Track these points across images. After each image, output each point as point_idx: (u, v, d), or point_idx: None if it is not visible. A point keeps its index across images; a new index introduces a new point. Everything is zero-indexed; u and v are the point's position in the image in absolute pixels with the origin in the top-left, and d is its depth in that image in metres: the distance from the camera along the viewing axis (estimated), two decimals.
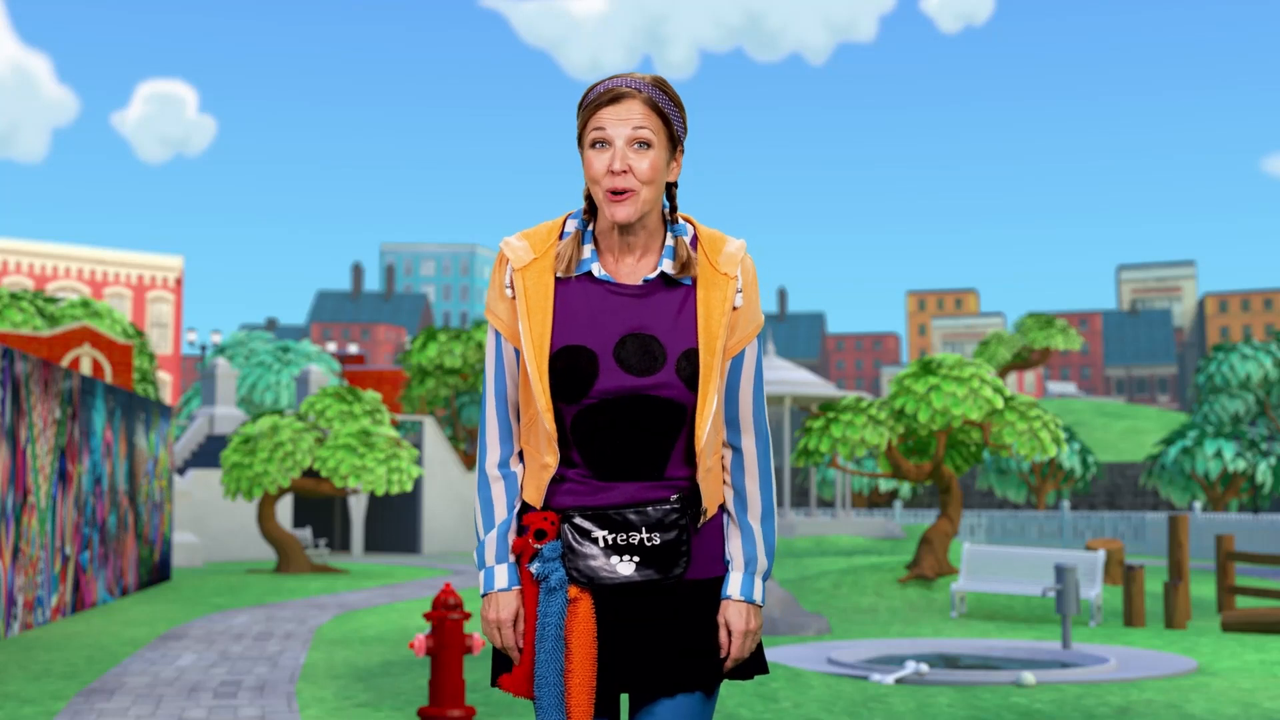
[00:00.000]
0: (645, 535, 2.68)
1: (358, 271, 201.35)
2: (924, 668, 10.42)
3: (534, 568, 2.70)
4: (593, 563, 2.67)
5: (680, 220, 2.80)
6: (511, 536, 2.75)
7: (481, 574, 2.76)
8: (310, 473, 28.13)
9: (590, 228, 2.78)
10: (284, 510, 33.52)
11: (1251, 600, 19.72)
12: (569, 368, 2.68)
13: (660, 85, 2.73)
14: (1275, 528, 32.09)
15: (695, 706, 2.74)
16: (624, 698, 9.47)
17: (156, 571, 21.24)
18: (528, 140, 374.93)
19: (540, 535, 2.71)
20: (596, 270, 2.73)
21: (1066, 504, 40.14)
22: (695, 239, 2.79)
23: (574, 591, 2.69)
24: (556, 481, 2.75)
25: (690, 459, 2.74)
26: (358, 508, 35.42)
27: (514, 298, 2.74)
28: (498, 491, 2.76)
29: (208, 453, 36.44)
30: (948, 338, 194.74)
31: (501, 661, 2.80)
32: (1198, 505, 36.58)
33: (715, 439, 2.75)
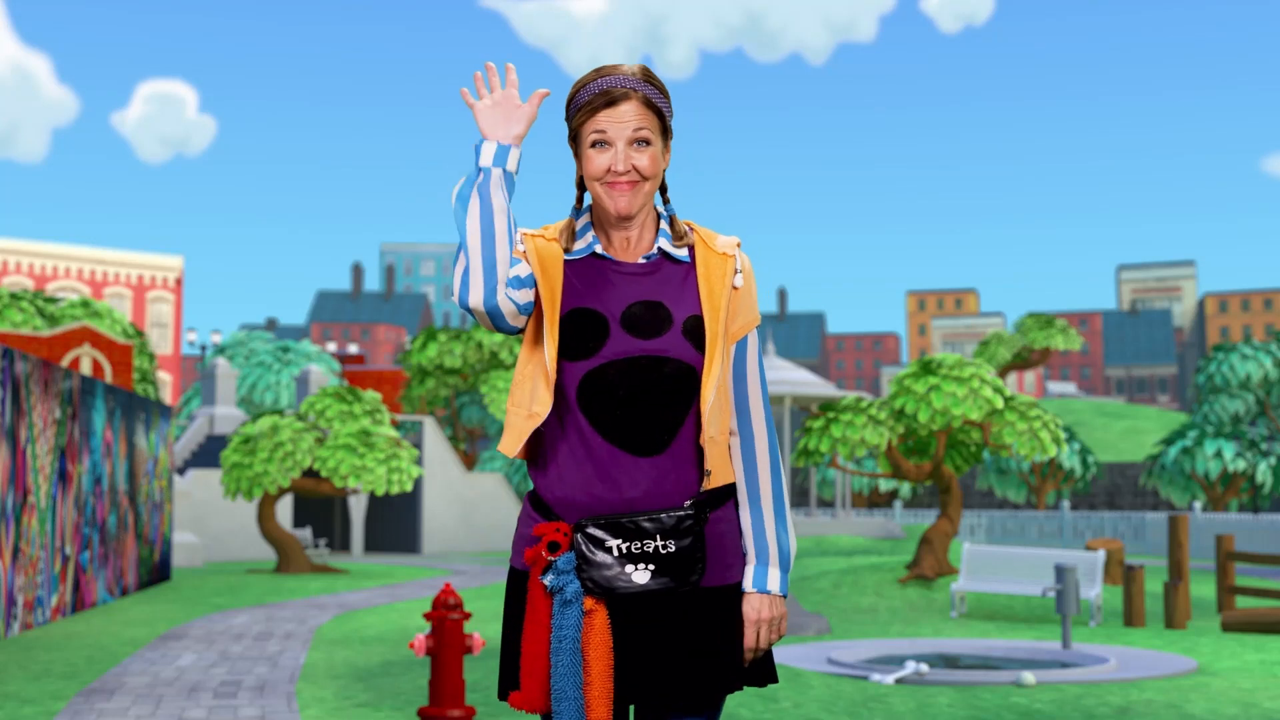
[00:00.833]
0: (660, 543, 2.66)
1: (358, 271, 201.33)
2: (924, 668, 10.42)
3: (548, 580, 2.67)
4: (608, 572, 2.65)
5: (676, 215, 2.85)
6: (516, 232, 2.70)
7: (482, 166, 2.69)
8: (310, 473, 28.13)
9: (587, 220, 2.83)
10: (284, 510, 33.52)
11: (1251, 600, 19.72)
12: (579, 328, 2.70)
13: (649, 79, 2.77)
14: (1275, 528, 32.09)
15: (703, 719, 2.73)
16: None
17: (156, 571, 21.24)
18: (528, 140, 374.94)
19: (553, 547, 2.67)
20: (599, 249, 2.78)
21: (1066, 504, 40.13)
22: (691, 230, 2.85)
23: (589, 603, 2.66)
24: (564, 462, 2.72)
25: (697, 428, 2.74)
26: (358, 508, 35.41)
27: (524, 252, 2.76)
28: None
29: (208, 453, 36.44)
30: (948, 338, 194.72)
31: (509, 677, 2.76)
32: (1198, 505, 36.58)
33: (722, 415, 2.75)
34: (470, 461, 43.38)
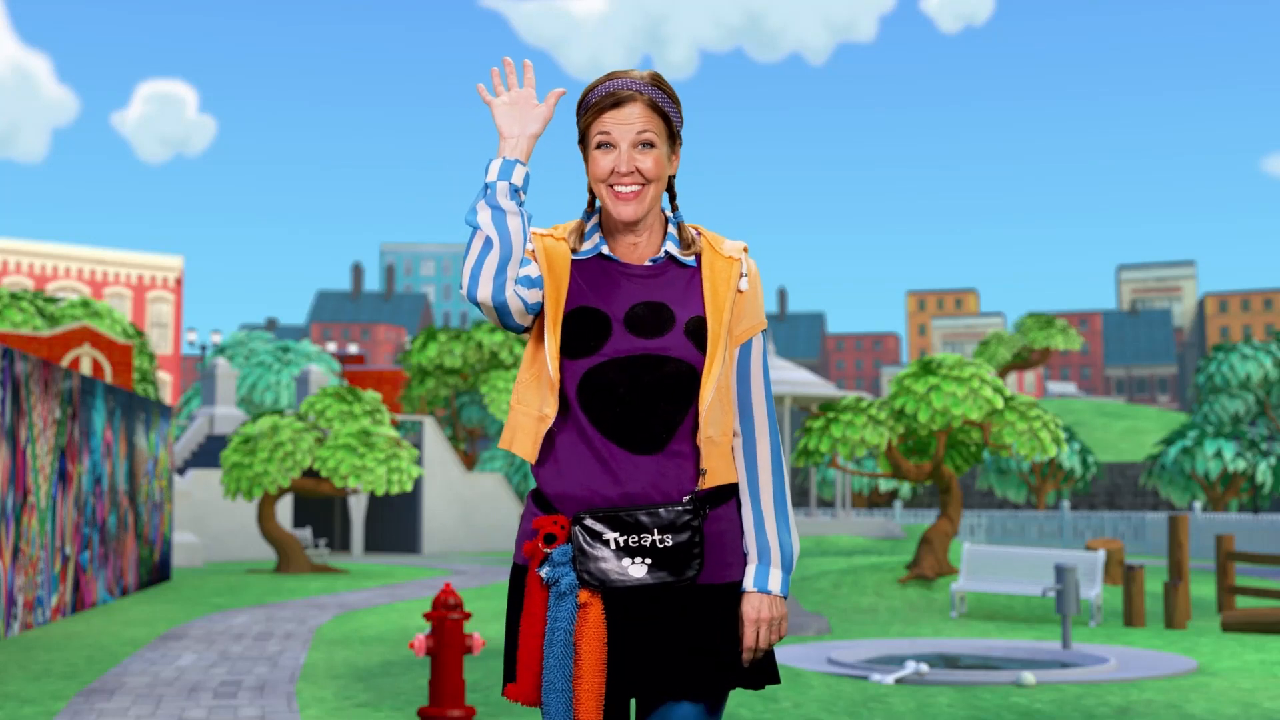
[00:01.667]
0: (657, 537, 2.66)
1: (358, 271, 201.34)
2: (924, 668, 10.42)
3: (544, 572, 2.68)
4: (604, 565, 2.65)
5: (684, 222, 2.87)
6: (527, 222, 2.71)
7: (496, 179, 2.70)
8: (310, 473, 28.13)
9: (595, 222, 2.85)
10: (284, 510, 33.51)
11: (1251, 600, 19.72)
12: (582, 326, 2.72)
13: (658, 83, 2.78)
14: (1275, 528, 32.09)
15: (702, 715, 2.73)
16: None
17: (156, 571, 21.24)
18: (542, 138, 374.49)
19: (550, 539, 2.69)
20: (605, 250, 2.79)
21: (1066, 504, 40.13)
22: (699, 236, 2.87)
23: (584, 596, 2.66)
24: (563, 449, 2.73)
25: (697, 431, 2.75)
26: (358, 508, 35.41)
27: (534, 251, 2.78)
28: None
29: (208, 453, 36.44)
30: (948, 338, 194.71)
31: (510, 671, 2.77)
32: (1198, 505, 36.58)
33: (723, 417, 2.76)
34: (470, 461, 43.38)
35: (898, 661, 11.95)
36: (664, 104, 2.76)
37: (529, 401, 2.75)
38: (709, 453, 2.73)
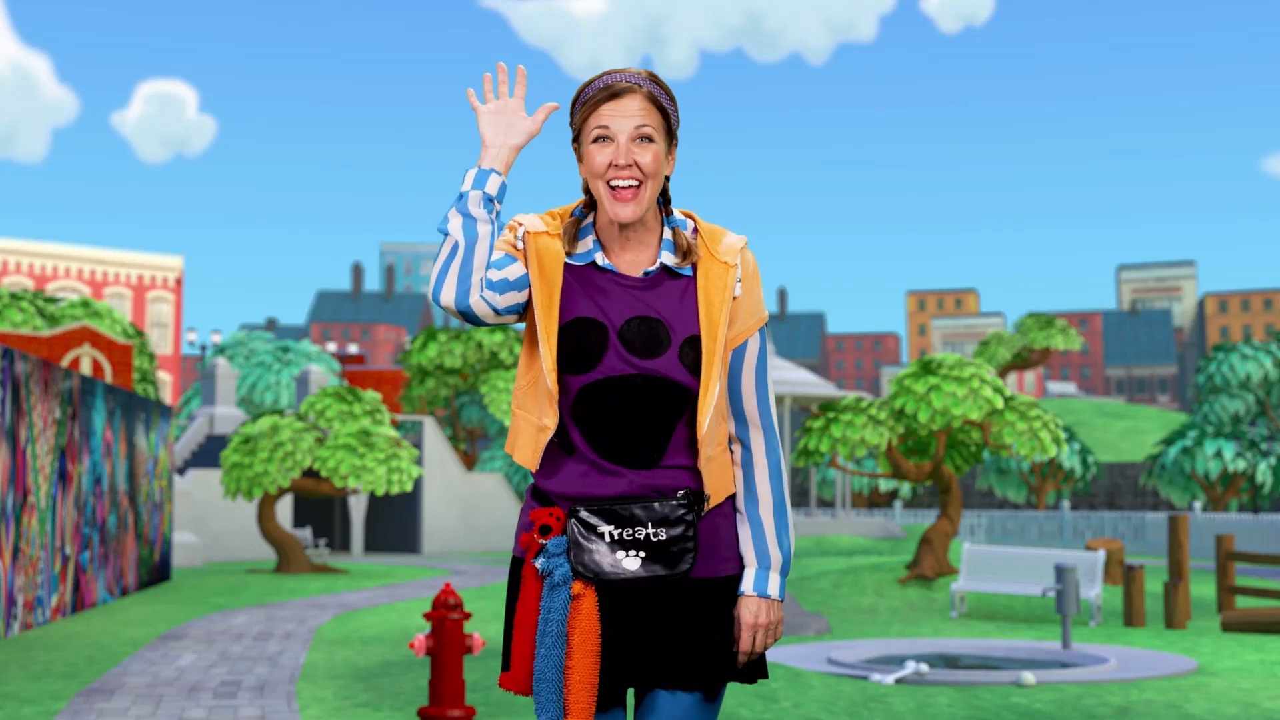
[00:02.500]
0: (651, 530, 2.66)
1: (358, 271, 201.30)
2: (924, 668, 10.42)
3: (538, 563, 2.68)
4: (598, 558, 2.66)
5: (678, 214, 2.82)
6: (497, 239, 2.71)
7: (470, 192, 2.70)
8: (310, 473, 28.13)
9: (590, 221, 2.80)
10: (284, 510, 33.52)
11: (1251, 600, 19.71)
12: (579, 340, 2.68)
13: (655, 80, 2.75)
14: (1275, 528, 32.09)
15: (697, 705, 2.73)
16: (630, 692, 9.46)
17: (156, 571, 21.24)
18: (537, 137, 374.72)
19: (545, 530, 2.69)
20: (600, 260, 2.74)
21: (1066, 504, 40.13)
22: (695, 231, 2.81)
23: (578, 588, 2.67)
24: (559, 459, 2.73)
25: (692, 447, 2.74)
26: (358, 508, 35.41)
27: (523, 251, 2.74)
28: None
29: (208, 453, 36.44)
30: (948, 338, 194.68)
31: (506, 659, 2.78)
32: (1198, 505, 36.57)
33: (718, 429, 2.75)
34: (470, 461, 43.38)
35: (898, 661, 11.94)
36: (662, 99, 2.72)
37: (529, 409, 2.74)
38: (710, 472, 2.73)
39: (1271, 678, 10.77)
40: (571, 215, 2.81)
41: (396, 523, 36.64)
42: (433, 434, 36.30)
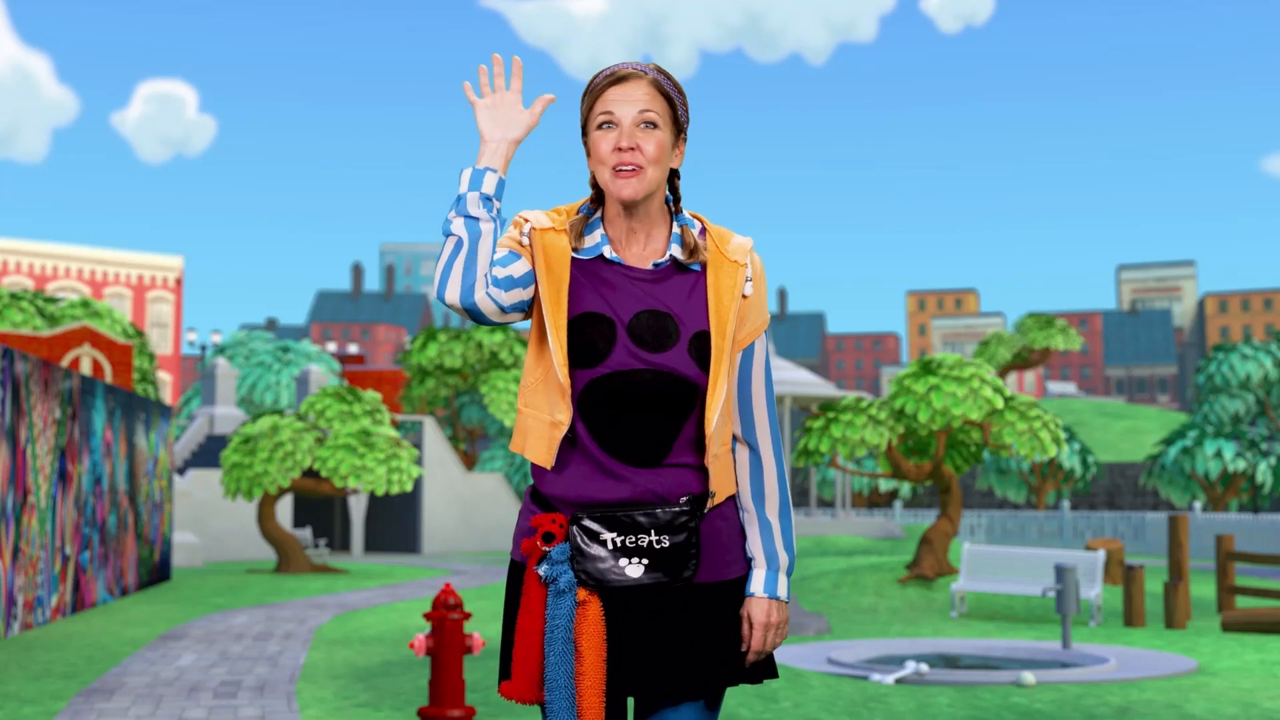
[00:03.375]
0: (654, 538, 2.65)
1: (358, 271, 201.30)
2: (924, 668, 10.42)
3: (542, 570, 2.67)
4: (601, 565, 2.65)
5: (687, 215, 2.82)
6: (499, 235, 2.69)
7: (466, 192, 2.68)
8: (310, 473, 28.13)
9: (597, 215, 2.79)
10: (284, 510, 33.52)
11: (1251, 600, 19.71)
12: (587, 333, 2.68)
13: (662, 72, 2.75)
14: (1275, 528, 32.09)
15: (699, 713, 2.73)
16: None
17: (156, 571, 21.24)
18: (528, 139, 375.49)
19: (548, 538, 2.68)
20: (608, 253, 2.73)
21: (1066, 504, 40.13)
22: (704, 232, 2.81)
23: (583, 594, 2.66)
24: (566, 452, 2.71)
25: (699, 445, 2.73)
26: (358, 508, 35.42)
27: (529, 248, 2.73)
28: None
29: (208, 453, 36.44)
30: (948, 338, 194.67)
31: (505, 667, 2.77)
32: (1198, 505, 36.58)
33: (724, 428, 2.74)
34: (470, 461, 43.38)
35: (898, 661, 11.95)
36: (669, 89, 2.72)
37: (539, 406, 2.72)
38: (715, 470, 2.72)
39: (1271, 678, 10.77)
40: (579, 212, 2.80)
41: (396, 523, 36.64)
42: (433, 434, 36.30)
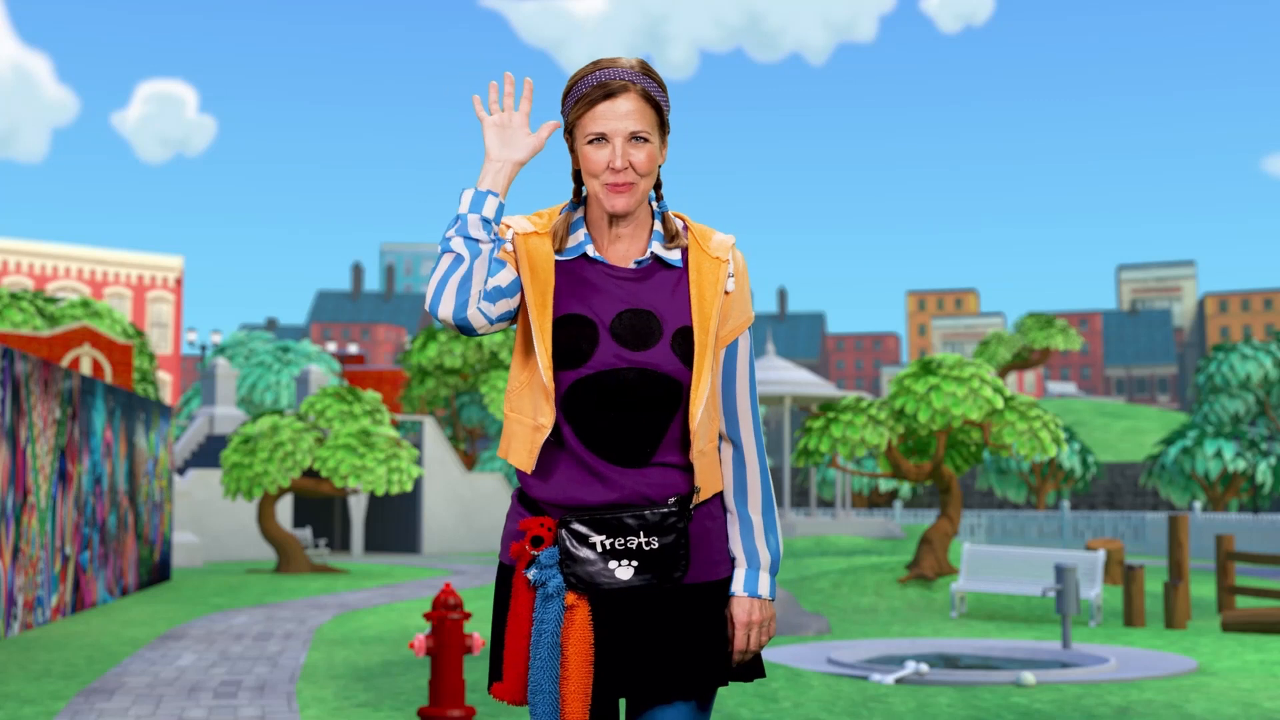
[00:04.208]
0: (643, 539, 2.65)
1: (358, 271, 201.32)
2: (924, 668, 10.42)
3: (530, 574, 2.67)
4: (590, 568, 2.65)
5: (668, 212, 2.82)
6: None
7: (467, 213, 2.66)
8: (310, 473, 28.13)
9: (580, 216, 2.80)
10: (284, 510, 33.52)
11: (1251, 600, 19.71)
12: (570, 335, 2.68)
13: (647, 72, 2.74)
14: (1275, 528, 32.10)
15: (690, 713, 2.73)
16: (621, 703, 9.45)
17: (156, 571, 21.24)
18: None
19: (537, 542, 2.68)
20: (591, 251, 2.74)
21: (1066, 504, 40.13)
22: (685, 230, 2.82)
23: (571, 598, 2.66)
24: (551, 456, 2.71)
25: (685, 442, 2.73)
26: (358, 508, 35.42)
27: (513, 254, 2.74)
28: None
29: (208, 453, 36.45)
30: (948, 338, 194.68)
31: (496, 670, 2.77)
32: (1198, 505, 36.58)
33: (709, 424, 2.74)
34: (470, 461, 43.38)
35: (898, 661, 11.95)
36: (655, 94, 2.72)
37: (523, 410, 2.72)
38: (701, 467, 2.72)
39: (1271, 678, 10.77)
40: (562, 211, 2.80)
41: (396, 523, 36.64)
42: (433, 434, 36.30)
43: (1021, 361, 56.82)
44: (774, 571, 2.78)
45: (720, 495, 2.81)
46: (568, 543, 2.66)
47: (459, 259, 2.63)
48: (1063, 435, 18.69)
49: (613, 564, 2.65)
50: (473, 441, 43.62)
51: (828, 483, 52.10)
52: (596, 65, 2.72)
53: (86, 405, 16.64)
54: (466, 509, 36.88)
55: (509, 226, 2.76)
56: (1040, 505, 46.39)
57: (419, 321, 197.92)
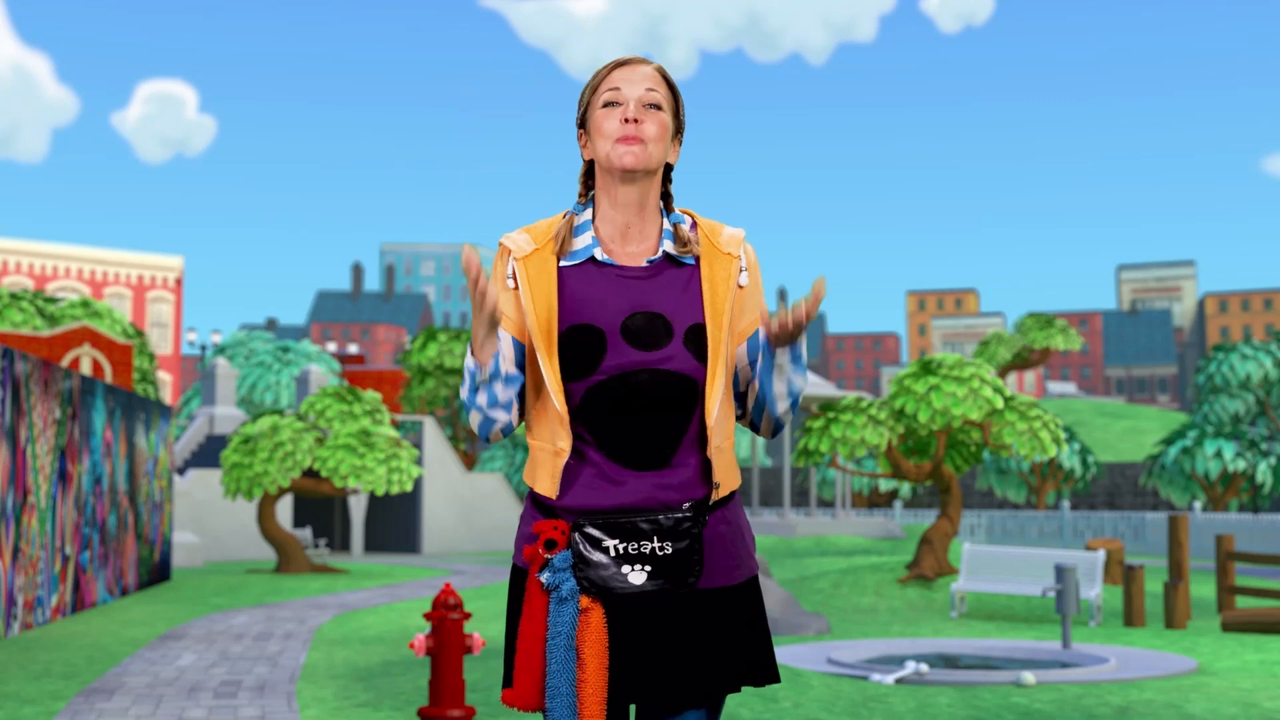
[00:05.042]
0: (657, 544, 2.63)
1: (358, 271, 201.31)
2: (924, 668, 10.42)
3: (544, 578, 2.66)
4: (604, 572, 2.63)
5: (677, 211, 2.80)
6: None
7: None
8: (310, 473, 28.13)
9: (587, 217, 2.77)
10: (284, 510, 33.52)
11: (1251, 600, 19.71)
12: (577, 345, 2.66)
13: (665, 73, 2.78)
14: (1275, 528, 32.10)
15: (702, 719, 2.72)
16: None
17: (156, 571, 21.24)
18: (528, 140, 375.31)
19: (550, 545, 2.66)
20: (599, 254, 2.71)
21: (1066, 504, 40.13)
22: (694, 226, 2.80)
23: (585, 601, 2.64)
24: (570, 471, 2.69)
25: (701, 442, 2.71)
26: (358, 508, 35.42)
27: (517, 289, 2.72)
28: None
29: (208, 453, 36.45)
30: (948, 338, 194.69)
31: (508, 673, 2.75)
32: (1198, 505, 36.58)
33: (726, 420, 2.73)
34: (470, 461, 43.38)
35: (898, 661, 11.95)
36: (671, 80, 2.74)
37: (542, 436, 2.71)
38: (719, 464, 2.70)
39: (1271, 678, 10.77)
40: (571, 212, 2.77)
41: (396, 523, 36.65)
42: (433, 434, 36.30)
43: (1021, 361, 56.82)
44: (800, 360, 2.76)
45: (738, 497, 2.80)
46: (581, 546, 2.64)
47: (475, 390, 2.69)
48: (1063, 435, 18.69)
49: (626, 568, 2.63)
50: (473, 441, 43.61)
51: (828, 483, 52.10)
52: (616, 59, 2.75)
53: (86, 405, 16.64)
54: (466, 509, 36.88)
55: (508, 251, 2.73)
56: (1040, 505, 46.39)
57: (419, 321, 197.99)
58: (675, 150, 2.76)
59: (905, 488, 51.09)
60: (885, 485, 50.90)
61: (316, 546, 33.68)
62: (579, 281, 2.71)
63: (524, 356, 2.74)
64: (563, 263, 2.73)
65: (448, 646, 7.27)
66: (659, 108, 2.68)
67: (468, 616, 7.37)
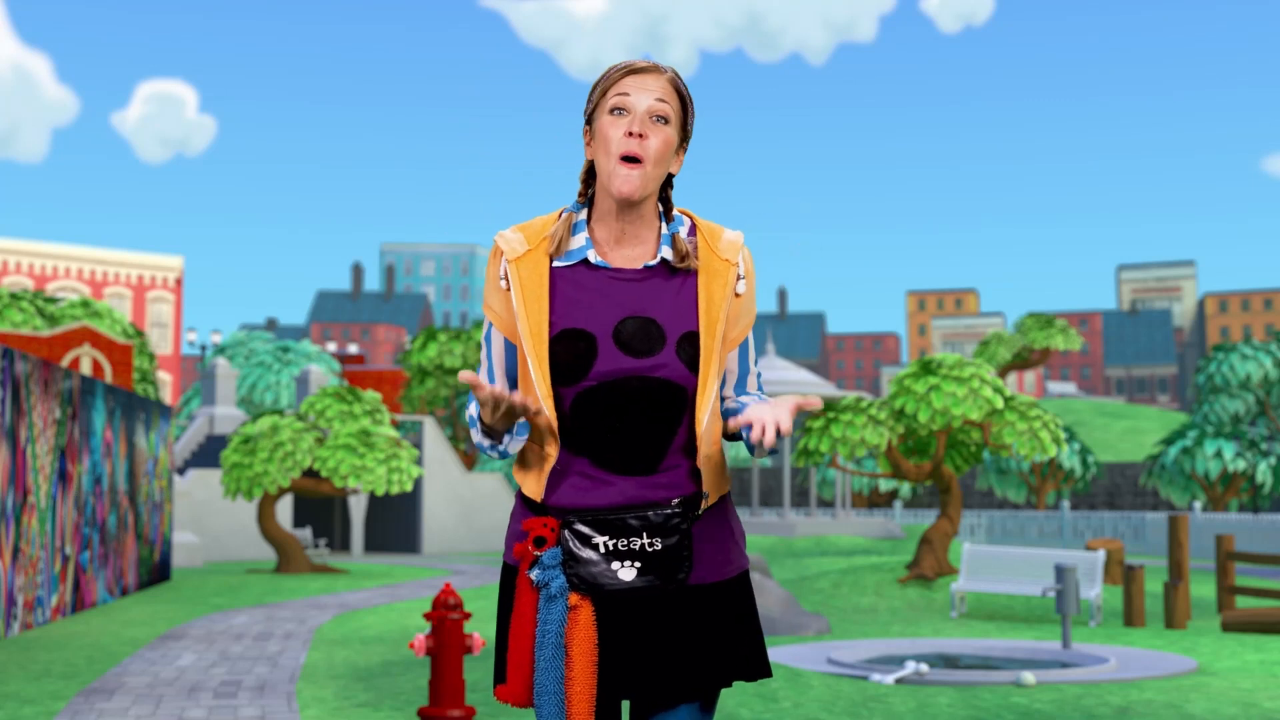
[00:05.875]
0: (646, 540, 2.63)
1: (358, 271, 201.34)
2: (924, 668, 10.42)
3: (533, 575, 2.65)
4: (593, 569, 2.62)
5: (677, 213, 2.77)
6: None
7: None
8: (310, 473, 28.13)
9: (583, 217, 2.74)
10: (284, 510, 33.52)
11: (1251, 600, 19.72)
12: (568, 351, 2.64)
13: (677, 75, 2.73)
14: (1275, 528, 32.10)
15: (694, 715, 2.72)
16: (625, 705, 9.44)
17: (156, 571, 21.24)
18: (528, 140, 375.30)
19: (540, 542, 2.66)
20: (593, 257, 2.69)
21: (1066, 504, 40.13)
22: (693, 229, 2.77)
23: (574, 599, 2.64)
24: (557, 475, 2.69)
25: (690, 448, 2.71)
26: (358, 508, 35.42)
27: (509, 289, 2.70)
28: None
29: (208, 453, 36.45)
30: (948, 338, 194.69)
31: (500, 671, 2.75)
32: (1198, 505, 36.59)
33: (715, 427, 2.72)
34: (470, 461, 43.38)
35: (898, 661, 11.95)
36: (684, 89, 2.70)
37: (531, 438, 2.72)
38: (708, 471, 2.70)
39: (1271, 678, 10.77)
40: (568, 210, 2.75)
41: (396, 523, 36.65)
42: (433, 434, 36.30)
43: (1021, 361, 56.83)
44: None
45: (727, 497, 2.79)
46: (570, 543, 2.64)
47: (480, 438, 2.72)
48: (1063, 435, 18.69)
49: (615, 565, 2.63)
50: (472, 441, 43.65)
51: (828, 483, 52.10)
52: (629, 61, 2.71)
53: (86, 405, 16.64)
54: (466, 509, 36.88)
55: (501, 252, 2.71)
56: (1040, 505, 46.39)
57: (419, 321, 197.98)
58: (678, 160, 2.73)
59: (905, 488, 51.08)
60: (885, 485, 50.89)
61: (316, 546, 33.68)
62: (571, 284, 2.69)
63: (515, 356, 2.74)
64: (556, 263, 2.70)
65: (448, 646, 7.27)
66: (666, 120, 2.65)
67: (468, 616, 7.38)
